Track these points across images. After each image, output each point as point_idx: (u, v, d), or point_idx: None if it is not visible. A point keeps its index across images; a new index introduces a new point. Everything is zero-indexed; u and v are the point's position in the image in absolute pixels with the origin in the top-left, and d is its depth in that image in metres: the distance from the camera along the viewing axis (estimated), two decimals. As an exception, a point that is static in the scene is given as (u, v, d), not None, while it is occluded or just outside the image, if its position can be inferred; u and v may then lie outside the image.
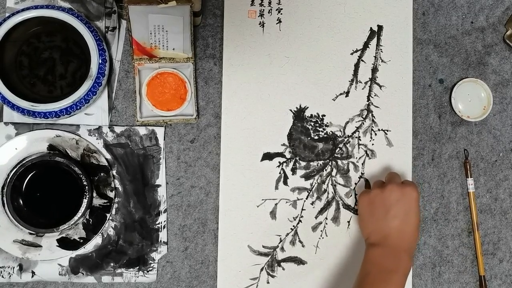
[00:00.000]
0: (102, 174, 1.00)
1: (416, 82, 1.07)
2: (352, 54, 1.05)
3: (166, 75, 1.02)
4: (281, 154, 1.03)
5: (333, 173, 1.04)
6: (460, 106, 1.07)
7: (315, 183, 1.03)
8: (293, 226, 1.02)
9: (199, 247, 1.02)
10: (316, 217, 1.03)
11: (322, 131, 1.04)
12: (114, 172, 1.01)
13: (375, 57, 1.05)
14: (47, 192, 0.99)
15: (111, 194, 1.00)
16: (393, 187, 0.93)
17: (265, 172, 1.03)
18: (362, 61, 1.05)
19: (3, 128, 1.00)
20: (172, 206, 1.02)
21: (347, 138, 1.04)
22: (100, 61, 0.97)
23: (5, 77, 0.96)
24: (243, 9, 1.04)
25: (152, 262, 1.01)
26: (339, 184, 1.04)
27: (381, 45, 1.05)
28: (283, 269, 1.02)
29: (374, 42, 1.05)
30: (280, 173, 1.03)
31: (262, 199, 1.02)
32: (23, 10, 0.96)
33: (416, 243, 0.95)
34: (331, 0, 1.05)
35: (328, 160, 1.04)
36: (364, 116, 1.04)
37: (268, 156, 1.03)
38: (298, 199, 1.03)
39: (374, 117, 1.04)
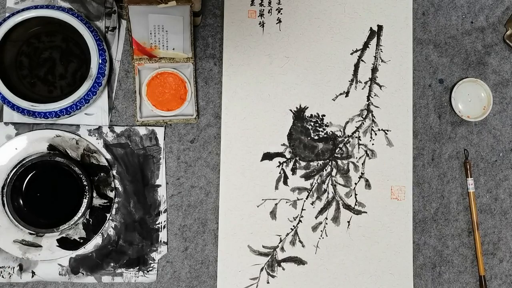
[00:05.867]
0: (102, 174, 1.00)
1: (416, 82, 1.07)
2: (352, 54, 1.05)
3: (166, 75, 1.02)
4: (281, 154, 1.03)
5: (333, 173, 1.04)
6: (460, 106, 1.07)
7: (315, 183, 1.03)
8: (293, 226, 1.02)
9: (199, 247, 1.02)
10: (316, 217, 1.03)
11: (322, 131, 1.04)
12: (114, 172, 1.01)
13: (375, 57, 1.05)
14: (47, 192, 0.99)
15: (111, 194, 1.00)
16: None
17: (265, 172, 1.03)
18: (362, 61, 1.05)
19: (3, 128, 1.00)
20: (172, 206, 1.02)
21: (347, 138, 1.04)
22: (100, 61, 0.97)
23: (5, 77, 0.96)
24: (243, 9, 1.04)
25: (152, 262, 1.01)
26: (339, 184, 1.04)
27: (381, 45, 1.05)
28: (283, 269, 1.02)
29: (374, 42, 1.05)
30: (280, 173, 1.03)
31: (262, 199, 1.02)
32: (23, 10, 0.96)
33: None
34: (331, 0, 1.05)
35: (328, 160, 1.04)
36: (364, 116, 1.04)
37: (268, 156, 1.03)
38: (298, 199, 1.03)
39: (374, 117, 1.04)
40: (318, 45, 1.05)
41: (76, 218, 0.97)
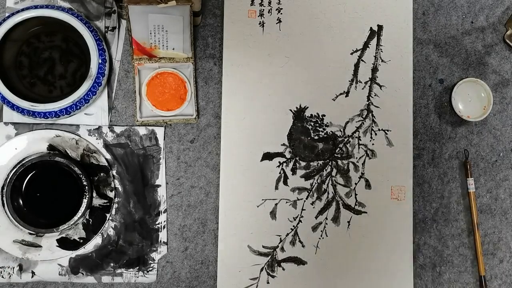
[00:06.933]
0: (102, 174, 1.00)
1: (416, 82, 1.07)
2: (352, 54, 1.05)
3: (166, 75, 1.02)
4: (281, 154, 1.03)
5: (333, 173, 1.04)
6: (460, 106, 1.06)
7: (315, 183, 1.03)
8: (293, 226, 1.02)
9: (199, 247, 1.02)
10: (316, 217, 1.03)
11: (322, 131, 1.04)
12: (114, 172, 1.01)
13: (375, 57, 1.05)
14: (47, 192, 0.99)
15: (111, 194, 1.00)
16: None
17: (265, 172, 1.03)
18: (362, 61, 1.05)
19: (3, 128, 1.00)
20: (172, 206, 1.02)
21: (347, 138, 1.04)
22: (100, 61, 0.97)
23: (5, 77, 0.96)
24: (243, 9, 1.04)
25: (152, 262, 1.01)
26: (339, 184, 1.04)
27: (381, 45, 1.05)
28: (283, 269, 1.02)
29: (374, 42, 1.05)
30: (280, 173, 1.03)
31: (262, 199, 1.02)
32: (23, 10, 0.96)
33: None
34: (331, 0, 1.05)
35: (328, 160, 1.04)
36: (364, 116, 1.04)
37: (268, 156, 1.03)
38: (298, 199, 1.03)
39: (374, 117, 1.04)
40: (318, 45, 1.05)
41: (76, 218, 0.97)
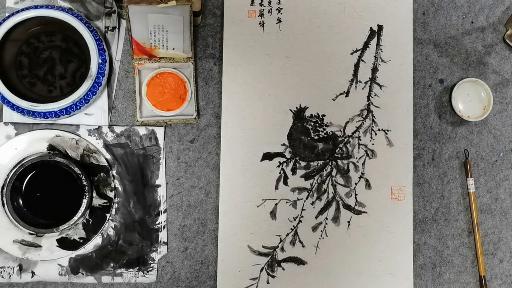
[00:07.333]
0: (102, 174, 1.00)
1: (416, 82, 1.07)
2: (352, 54, 1.05)
3: (166, 75, 1.02)
4: (281, 154, 1.03)
5: (333, 173, 1.04)
6: (460, 106, 1.06)
7: (315, 183, 1.03)
8: (293, 226, 1.02)
9: (199, 247, 1.02)
10: (316, 217, 1.03)
11: (322, 131, 1.04)
12: (114, 172, 1.01)
13: (375, 57, 1.05)
14: (47, 192, 0.99)
15: (111, 194, 1.00)
16: None
17: (265, 172, 1.02)
18: (362, 61, 1.05)
19: (3, 128, 1.00)
20: (172, 206, 1.02)
21: (347, 138, 1.04)
22: (100, 61, 0.97)
23: (5, 77, 0.96)
24: (243, 9, 1.04)
25: (152, 262, 1.01)
26: (339, 184, 1.03)
27: (381, 45, 1.05)
28: (283, 269, 1.02)
29: (374, 42, 1.05)
30: (280, 173, 1.03)
31: (262, 199, 1.02)
32: (22, 10, 0.96)
33: None
34: (331, 0, 1.05)
35: (328, 160, 1.04)
36: (364, 116, 1.04)
37: (268, 156, 1.03)
38: (298, 199, 1.03)
39: (374, 117, 1.04)
40: (318, 45, 1.05)
41: (76, 218, 0.97)
